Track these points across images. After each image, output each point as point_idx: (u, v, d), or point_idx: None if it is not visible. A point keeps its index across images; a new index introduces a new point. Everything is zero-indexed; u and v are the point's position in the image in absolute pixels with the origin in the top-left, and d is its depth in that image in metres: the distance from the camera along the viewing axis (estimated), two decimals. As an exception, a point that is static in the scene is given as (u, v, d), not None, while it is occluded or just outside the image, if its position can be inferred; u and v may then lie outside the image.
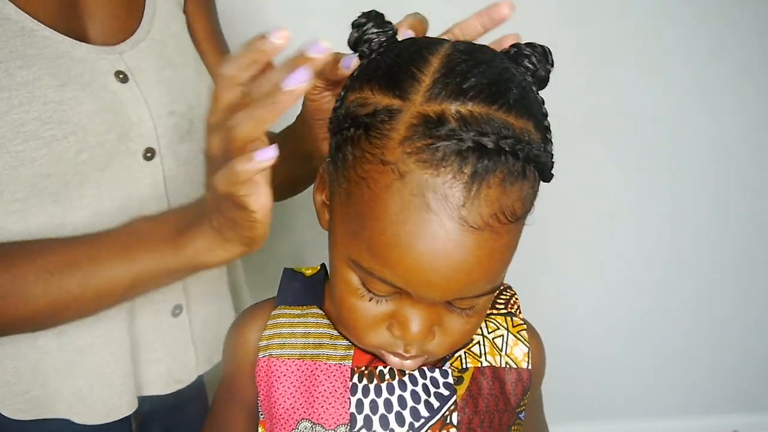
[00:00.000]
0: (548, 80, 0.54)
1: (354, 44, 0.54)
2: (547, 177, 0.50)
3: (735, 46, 1.42)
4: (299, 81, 0.43)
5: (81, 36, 0.68)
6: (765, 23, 1.42)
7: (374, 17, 0.53)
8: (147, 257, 0.57)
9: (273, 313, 0.63)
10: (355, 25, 0.53)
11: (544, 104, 0.52)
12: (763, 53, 1.44)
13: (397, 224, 0.45)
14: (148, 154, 0.70)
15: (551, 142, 0.51)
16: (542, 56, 0.53)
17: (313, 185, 0.59)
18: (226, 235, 0.54)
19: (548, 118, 0.51)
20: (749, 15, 1.40)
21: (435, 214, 0.44)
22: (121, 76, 0.69)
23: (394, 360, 0.54)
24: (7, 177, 0.60)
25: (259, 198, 0.49)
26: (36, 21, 0.63)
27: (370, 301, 0.51)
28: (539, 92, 0.53)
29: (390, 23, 0.53)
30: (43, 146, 0.61)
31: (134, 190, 0.69)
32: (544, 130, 0.50)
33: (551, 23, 1.33)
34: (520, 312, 0.65)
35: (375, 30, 0.52)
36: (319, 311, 0.62)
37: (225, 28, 1.25)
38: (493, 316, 0.64)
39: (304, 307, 0.63)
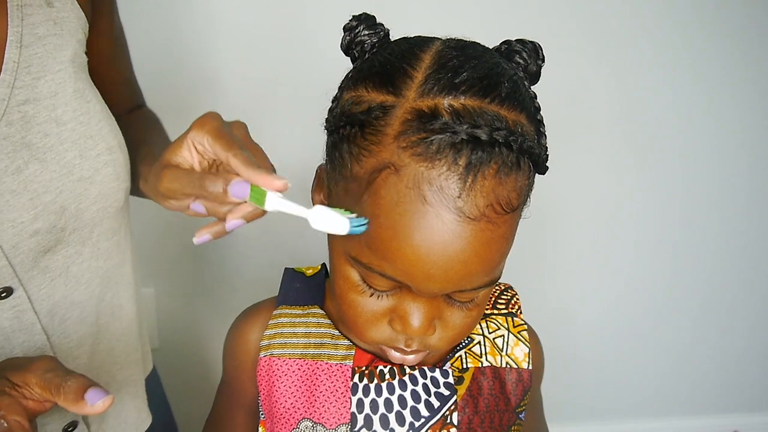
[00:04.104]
0: (540, 75, 0.54)
1: (346, 47, 0.54)
2: (542, 169, 0.51)
3: (737, 43, 1.42)
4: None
5: None
6: (766, 20, 1.42)
7: (365, 20, 0.54)
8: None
9: (274, 312, 0.63)
10: (347, 29, 0.54)
11: (536, 98, 0.52)
12: (764, 51, 1.44)
13: (394, 217, 0.46)
14: (3, 294, 0.59)
15: (545, 135, 0.51)
16: (533, 52, 0.53)
17: (312, 185, 0.59)
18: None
19: (541, 112, 0.52)
20: (751, 11, 1.40)
21: (431, 205, 0.45)
22: None
23: (395, 355, 0.54)
24: None
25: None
26: None
27: (370, 296, 0.51)
28: (531, 87, 0.53)
29: (381, 25, 0.54)
30: None
31: None
32: (537, 123, 0.51)
33: (553, 21, 1.33)
34: (521, 312, 0.65)
35: (367, 32, 0.53)
36: (321, 311, 0.63)
37: (226, 23, 1.25)
38: (494, 316, 0.64)
39: (306, 306, 0.63)
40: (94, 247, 0.66)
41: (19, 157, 0.57)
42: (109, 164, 0.64)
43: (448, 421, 0.58)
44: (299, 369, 0.59)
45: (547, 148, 0.51)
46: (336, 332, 0.61)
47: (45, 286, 0.62)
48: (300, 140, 1.25)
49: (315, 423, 0.58)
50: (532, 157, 0.48)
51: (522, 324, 0.64)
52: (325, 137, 0.54)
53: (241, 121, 0.54)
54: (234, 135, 0.51)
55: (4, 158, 0.56)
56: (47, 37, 0.60)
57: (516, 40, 0.54)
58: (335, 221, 0.45)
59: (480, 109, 0.46)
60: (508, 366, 0.62)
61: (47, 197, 0.59)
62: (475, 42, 0.52)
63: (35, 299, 0.61)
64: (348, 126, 0.49)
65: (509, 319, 0.64)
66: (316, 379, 0.59)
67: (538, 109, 0.51)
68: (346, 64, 0.55)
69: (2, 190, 0.56)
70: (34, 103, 0.58)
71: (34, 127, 0.58)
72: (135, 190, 0.71)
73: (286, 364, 0.60)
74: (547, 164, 0.51)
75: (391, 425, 0.58)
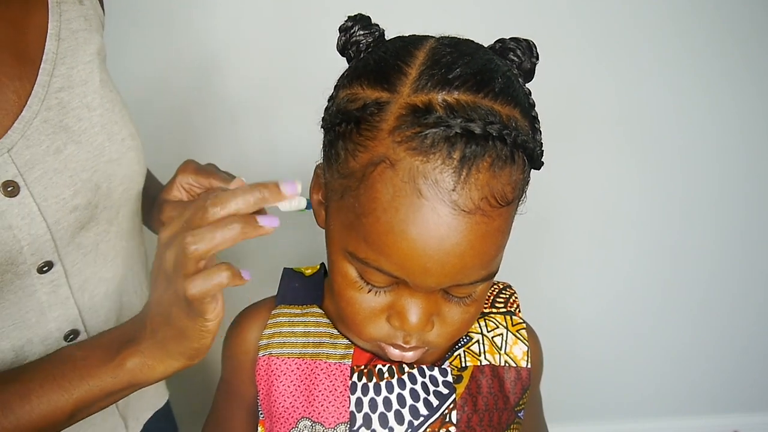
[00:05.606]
0: (534, 72, 0.55)
1: (342, 48, 0.55)
2: (537, 164, 0.51)
3: (737, 43, 1.42)
4: (272, 224, 0.47)
5: None
6: (766, 20, 1.42)
7: (360, 20, 0.54)
8: (84, 384, 0.54)
9: (273, 312, 0.63)
10: (342, 29, 0.55)
11: (530, 95, 0.53)
12: (765, 51, 1.44)
13: (390, 212, 0.46)
14: (45, 268, 0.62)
15: (540, 131, 0.52)
16: (527, 49, 0.54)
17: (310, 184, 0.59)
18: (170, 348, 0.52)
19: (536, 108, 0.52)
20: (751, 11, 1.40)
21: (426, 199, 0.45)
22: (9, 188, 0.58)
23: (394, 352, 0.54)
24: None
25: (217, 307, 0.49)
26: None
27: (368, 293, 0.52)
28: (526, 84, 0.54)
29: (376, 25, 0.55)
30: None
31: (30, 301, 0.62)
32: (532, 119, 0.51)
33: (554, 19, 1.33)
34: (519, 311, 0.65)
35: (362, 32, 0.54)
36: (319, 310, 0.63)
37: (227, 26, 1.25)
38: (492, 315, 0.64)
39: (304, 306, 0.63)
40: (119, 227, 0.70)
41: (58, 139, 0.62)
42: (132, 149, 0.69)
43: (447, 419, 0.58)
44: (298, 368, 0.60)
45: (542, 143, 0.52)
46: (335, 331, 0.61)
47: (78, 261, 0.66)
48: (299, 140, 1.25)
49: (314, 422, 0.58)
50: (527, 152, 0.48)
51: (521, 323, 0.64)
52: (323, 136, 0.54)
53: (211, 163, 0.75)
54: (209, 167, 0.72)
55: (45, 139, 0.61)
56: (79, 31, 0.66)
57: (510, 38, 0.55)
58: (296, 200, 0.50)
59: (474, 103, 0.46)
60: (507, 364, 0.62)
61: (84, 175, 0.63)
62: (468, 39, 0.53)
63: (70, 274, 0.65)
64: (344, 123, 0.49)
65: (508, 317, 0.64)
66: (315, 378, 0.59)
67: (533, 105, 0.52)
68: (343, 65, 0.56)
69: (46, 169, 0.60)
70: (68, 90, 0.63)
71: (69, 111, 0.63)
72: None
73: (285, 364, 0.60)
74: (542, 159, 0.51)
75: (390, 424, 0.58)
